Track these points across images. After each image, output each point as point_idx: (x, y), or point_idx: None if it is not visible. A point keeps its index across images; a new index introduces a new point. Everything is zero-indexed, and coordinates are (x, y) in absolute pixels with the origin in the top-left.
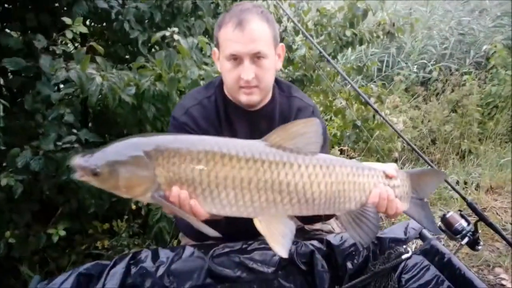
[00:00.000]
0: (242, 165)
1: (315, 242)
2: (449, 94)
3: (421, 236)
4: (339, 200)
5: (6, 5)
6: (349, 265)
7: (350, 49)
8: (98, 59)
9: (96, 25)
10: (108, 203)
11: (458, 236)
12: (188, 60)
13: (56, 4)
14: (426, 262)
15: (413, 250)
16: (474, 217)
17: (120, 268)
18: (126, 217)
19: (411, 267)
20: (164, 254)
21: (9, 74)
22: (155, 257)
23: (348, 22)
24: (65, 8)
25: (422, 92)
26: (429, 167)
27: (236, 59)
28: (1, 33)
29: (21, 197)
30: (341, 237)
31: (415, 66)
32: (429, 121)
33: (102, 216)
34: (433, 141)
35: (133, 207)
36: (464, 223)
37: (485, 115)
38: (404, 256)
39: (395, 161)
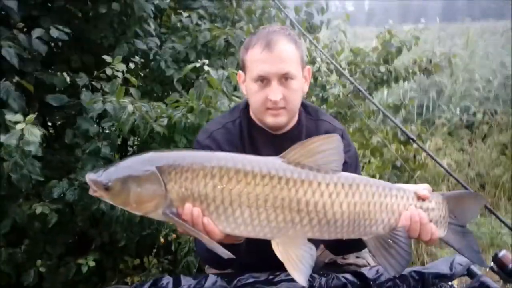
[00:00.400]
0: (257, 181)
1: (347, 275)
2: (497, 136)
3: (469, 273)
4: (364, 222)
5: (54, 49)
6: None
7: (386, 91)
8: (132, 90)
9: (135, 65)
10: (138, 236)
11: None
12: (218, 92)
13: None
14: None
15: None
16: None
17: None
18: (155, 250)
19: None
20: (186, 281)
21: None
22: (176, 284)
23: (382, 59)
24: (107, 49)
25: (466, 135)
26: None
27: (263, 80)
28: (47, 73)
29: (55, 228)
30: (377, 270)
31: (458, 109)
32: (476, 164)
33: (133, 250)
34: (482, 186)
35: (162, 240)
36: None
37: None
38: None
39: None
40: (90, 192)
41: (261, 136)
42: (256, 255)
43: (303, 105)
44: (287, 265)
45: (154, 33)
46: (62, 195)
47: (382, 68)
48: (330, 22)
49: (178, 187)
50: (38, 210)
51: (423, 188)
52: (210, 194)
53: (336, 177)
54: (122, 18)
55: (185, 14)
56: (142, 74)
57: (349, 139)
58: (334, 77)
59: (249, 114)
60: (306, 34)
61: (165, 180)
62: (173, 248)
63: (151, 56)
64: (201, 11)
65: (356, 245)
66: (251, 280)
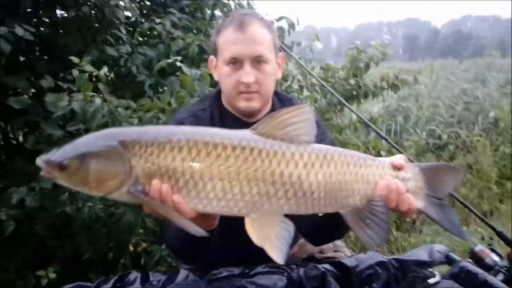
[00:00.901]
0: (228, 153)
1: (326, 266)
2: (463, 157)
3: (448, 260)
4: (340, 193)
5: (20, 57)
6: None
7: (355, 108)
8: (100, 85)
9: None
10: (105, 248)
11: (491, 272)
12: (191, 91)
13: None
14: (457, 286)
15: (441, 275)
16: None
17: None
18: (122, 261)
19: None
20: (155, 277)
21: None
22: (144, 280)
23: (352, 74)
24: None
25: (434, 157)
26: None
27: (235, 62)
28: (10, 76)
29: (13, 240)
30: (356, 259)
31: (424, 133)
32: None
33: (99, 264)
34: (452, 204)
35: (131, 248)
36: (496, 257)
37: (502, 176)
38: (431, 281)
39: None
40: (42, 173)
41: (233, 124)
42: (228, 248)
43: (276, 93)
44: (264, 243)
45: (125, 39)
46: (21, 203)
47: (352, 81)
48: (300, 43)
49: (143, 162)
50: None
51: (399, 158)
52: (179, 168)
53: (310, 147)
54: (92, 24)
55: (157, 21)
56: (111, 79)
57: (324, 127)
58: (305, 93)
59: (220, 101)
60: (283, 46)
61: (128, 155)
62: (142, 261)
63: (122, 63)
64: (175, 19)
65: (335, 227)
66: (225, 273)
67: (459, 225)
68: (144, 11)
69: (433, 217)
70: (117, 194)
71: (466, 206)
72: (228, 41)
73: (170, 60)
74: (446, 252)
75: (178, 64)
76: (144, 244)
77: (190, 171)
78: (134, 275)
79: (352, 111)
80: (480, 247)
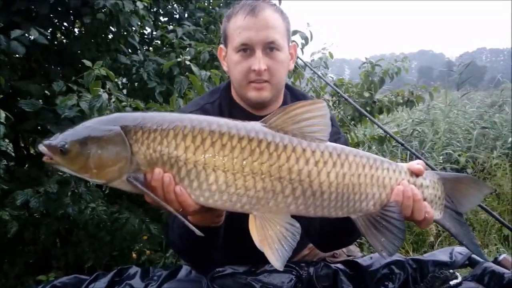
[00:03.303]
0: (234, 144)
1: (338, 264)
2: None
3: (470, 262)
4: (353, 197)
5: (33, 64)
6: None
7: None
8: (109, 84)
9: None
10: (108, 257)
11: None
12: (200, 93)
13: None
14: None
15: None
16: None
17: (101, 283)
18: None
19: None
20: (156, 272)
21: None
22: (144, 275)
23: (366, 88)
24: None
25: None
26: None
27: (246, 49)
28: (23, 81)
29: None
30: (371, 258)
31: (441, 157)
32: None
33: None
34: (473, 228)
35: (134, 256)
36: None
37: None
38: (453, 282)
39: (432, 246)
40: (44, 159)
41: (243, 118)
42: (234, 249)
43: (288, 88)
44: (263, 245)
45: (138, 46)
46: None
47: (366, 94)
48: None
49: (145, 149)
50: None
51: (417, 163)
52: (182, 156)
53: (323, 145)
54: (106, 31)
55: (170, 28)
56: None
57: (338, 126)
58: None
59: (230, 94)
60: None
61: (130, 141)
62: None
63: (134, 71)
64: (187, 26)
65: (346, 233)
66: (229, 271)
67: (477, 243)
68: (159, 23)
69: (451, 230)
70: (118, 182)
71: (491, 215)
72: (239, 26)
73: (179, 59)
74: (469, 254)
75: (187, 62)
76: (147, 252)
77: (193, 160)
78: (134, 269)
79: (373, 121)
80: (504, 256)
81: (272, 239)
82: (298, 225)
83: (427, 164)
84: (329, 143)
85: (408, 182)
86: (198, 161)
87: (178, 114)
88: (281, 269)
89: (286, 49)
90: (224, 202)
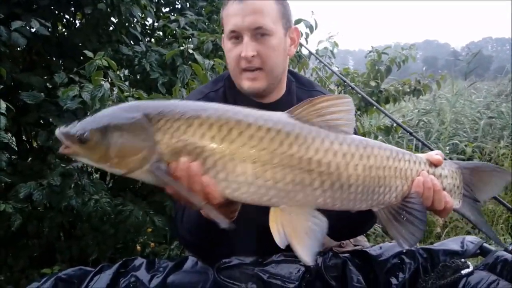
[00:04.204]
0: (262, 134)
1: (347, 254)
2: None
3: (482, 251)
4: (378, 189)
5: (34, 56)
6: (393, 280)
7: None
8: (111, 73)
9: (119, 70)
10: (112, 249)
11: None
12: (204, 82)
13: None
14: (494, 277)
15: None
16: None
17: (106, 274)
18: None
19: (475, 285)
20: (161, 264)
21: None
22: (150, 266)
23: (372, 77)
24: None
25: None
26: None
27: (237, 37)
28: (24, 73)
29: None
30: (381, 247)
31: (447, 147)
32: None
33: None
34: None
35: (138, 248)
36: None
37: None
38: (464, 272)
39: (439, 237)
40: (61, 150)
41: (247, 105)
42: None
43: (294, 75)
44: (292, 239)
45: (140, 37)
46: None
47: (373, 83)
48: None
49: (169, 138)
50: (0, 207)
51: (436, 154)
52: (208, 146)
53: (350, 138)
54: (107, 22)
55: (172, 18)
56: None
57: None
58: None
59: (233, 82)
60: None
61: (153, 130)
62: None
63: (136, 62)
64: (190, 16)
65: (361, 223)
66: (236, 262)
67: (494, 233)
68: (161, 14)
69: (470, 219)
70: (139, 172)
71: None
72: (229, 13)
73: (182, 48)
74: (481, 242)
75: (190, 51)
76: (152, 244)
77: (220, 150)
78: (140, 261)
79: (381, 110)
80: None
81: (301, 233)
82: (324, 218)
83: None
84: (354, 136)
85: (427, 173)
86: (225, 152)
87: (201, 102)
88: (312, 264)
89: (280, 33)
90: (252, 195)
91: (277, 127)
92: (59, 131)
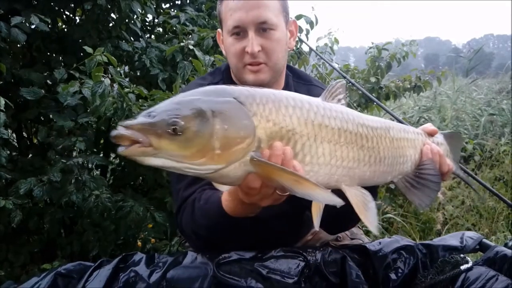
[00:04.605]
0: (330, 114)
1: (346, 250)
2: (490, 169)
3: (481, 247)
4: (399, 160)
5: (34, 53)
6: (392, 276)
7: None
8: (111, 69)
9: (119, 67)
10: (112, 245)
11: None
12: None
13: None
14: (493, 272)
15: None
16: None
17: (105, 269)
18: None
19: (474, 280)
20: (161, 259)
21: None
22: (149, 261)
23: (373, 73)
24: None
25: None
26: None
27: (239, 32)
28: (24, 69)
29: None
30: (380, 243)
31: None
32: (469, 192)
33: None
34: (481, 215)
35: (139, 243)
36: None
37: None
38: (463, 267)
39: (439, 234)
40: (128, 151)
41: None
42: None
43: (291, 69)
44: (360, 213)
45: (140, 33)
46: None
47: (373, 79)
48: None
49: (265, 122)
50: (1, 203)
51: (430, 125)
52: (298, 128)
53: (372, 116)
54: (107, 18)
55: (172, 14)
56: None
57: None
58: None
59: (230, 75)
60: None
61: (250, 114)
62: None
63: (136, 58)
64: (190, 12)
65: (351, 215)
66: (235, 257)
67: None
68: (161, 10)
69: (464, 178)
70: (236, 165)
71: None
72: (230, 8)
73: (182, 44)
74: (480, 238)
75: (191, 47)
76: (152, 240)
77: (307, 132)
78: (139, 256)
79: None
80: None
81: (363, 207)
82: (367, 192)
83: None
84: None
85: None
86: (310, 134)
87: (269, 89)
88: (378, 233)
89: (282, 27)
90: (324, 176)
91: (336, 108)
92: (125, 127)
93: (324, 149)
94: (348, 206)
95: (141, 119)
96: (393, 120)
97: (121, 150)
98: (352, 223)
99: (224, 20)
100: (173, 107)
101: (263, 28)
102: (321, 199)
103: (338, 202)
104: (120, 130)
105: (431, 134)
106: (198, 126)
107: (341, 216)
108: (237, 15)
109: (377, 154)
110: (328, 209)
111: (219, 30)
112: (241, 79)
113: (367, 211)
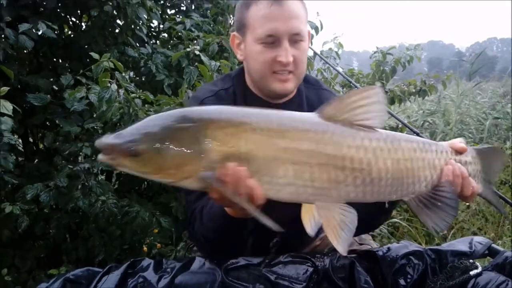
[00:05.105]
0: (301, 136)
1: (355, 255)
2: None
3: (490, 252)
4: (407, 180)
5: (41, 59)
6: (401, 281)
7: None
8: (118, 75)
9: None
10: (118, 250)
11: None
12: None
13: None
14: (503, 278)
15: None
16: None
17: (114, 275)
18: None
19: (484, 286)
20: (169, 264)
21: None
22: (158, 267)
23: (378, 78)
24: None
25: None
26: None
27: (273, 41)
28: (31, 75)
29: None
30: (389, 248)
31: None
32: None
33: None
34: (486, 219)
35: (145, 249)
36: None
37: None
38: (473, 272)
39: (445, 239)
40: (103, 159)
41: (258, 106)
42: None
43: None
44: (328, 232)
45: (145, 39)
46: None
47: (378, 83)
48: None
49: (218, 145)
50: (8, 209)
51: (459, 141)
52: (254, 150)
53: (378, 133)
54: (113, 24)
55: (178, 20)
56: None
57: None
58: None
59: (244, 82)
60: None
61: (204, 138)
62: None
63: (142, 64)
64: (195, 18)
65: (378, 214)
66: (243, 262)
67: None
68: (166, 17)
69: (492, 201)
70: (190, 180)
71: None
72: (262, 16)
73: (188, 49)
74: (489, 243)
75: (197, 52)
76: (158, 245)
77: (264, 154)
78: (147, 261)
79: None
80: None
81: (335, 226)
82: (354, 211)
83: None
84: (381, 130)
85: (454, 161)
86: (269, 156)
87: (241, 108)
88: (345, 254)
89: (307, 37)
90: (291, 194)
91: (313, 128)
92: (103, 143)
93: (287, 171)
94: (362, 212)
95: (111, 139)
96: (397, 124)
97: (100, 157)
98: (374, 225)
99: (253, 26)
100: (135, 132)
101: (295, 39)
102: (262, 220)
103: (275, 226)
104: (100, 145)
105: (459, 152)
106: (152, 151)
107: (367, 218)
108: (272, 25)
109: (368, 175)
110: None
111: (235, 34)
112: (265, 87)
113: (340, 231)
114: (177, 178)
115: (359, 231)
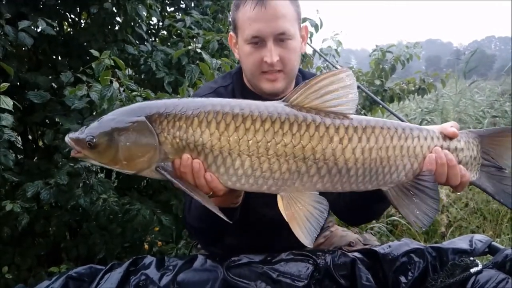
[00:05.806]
0: (257, 127)
1: (356, 253)
2: None
3: (490, 250)
4: (382, 170)
5: (40, 57)
6: (402, 279)
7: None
8: (119, 73)
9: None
10: (119, 248)
11: None
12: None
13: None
14: (503, 275)
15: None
16: None
17: (116, 273)
18: None
19: (484, 283)
20: (171, 262)
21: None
22: (160, 264)
23: (377, 76)
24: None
25: None
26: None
27: (257, 42)
28: (31, 72)
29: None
30: (390, 246)
31: None
32: (473, 195)
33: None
34: (484, 217)
35: (146, 247)
36: None
37: None
38: (473, 270)
39: (443, 236)
40: (73, 153)
41: None
42: (250, 241)
43: (300, 70)
44: (292, 223)
45: (145, 36)
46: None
47: (377, 81)
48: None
49: (171, 138)
50: (8, 207)
51: (450, 126)
52: (207, 143)
53: (348, 120)
54: (113, 22)
55: (178, 17)
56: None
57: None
58: None
59: (242, 79)
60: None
61: (157, 131)
62: None
63: (142, 61)
64: (195, 15)
65: (375, 202)
66: (245, 260)
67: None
68: (165, 14)
69: (487, 190)
70: (147, 171)
71: None
72: (248, 18)
73: (190, 47)
74: (489, 241)
75: (198, 50)
76: (159, 243)
77: (219, 146)
78: (149, 259)
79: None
80: None
81: (300, 217)
82: (325, 202)
83: None
84: (354, 116)
85: (441, 148)
86: (224, 147)
87: (200, 99)
88: (311, 246)
89: (297, 35)
90: (251, 185)
91: (272, 117)
92: (68, 137)
93: (243, 162)
94: (363, 198)
95: (76, 133)
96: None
97: (72, 153)
98: (376, 213)
99: (241, 28)
100: (96, 125)
101: (281, 38)
102: (214, 211)
103: (224, 217)
104: (66, 140)
105: (449, 137)
106: (106, 143)
107: (363, 206)
108: (256, 26)
109: (334, 166)
110: (345, 200)
111: (231, 33)
112: (256, 86)
113: (306, 222)
114: (134, 169)
115: (360, 220)
